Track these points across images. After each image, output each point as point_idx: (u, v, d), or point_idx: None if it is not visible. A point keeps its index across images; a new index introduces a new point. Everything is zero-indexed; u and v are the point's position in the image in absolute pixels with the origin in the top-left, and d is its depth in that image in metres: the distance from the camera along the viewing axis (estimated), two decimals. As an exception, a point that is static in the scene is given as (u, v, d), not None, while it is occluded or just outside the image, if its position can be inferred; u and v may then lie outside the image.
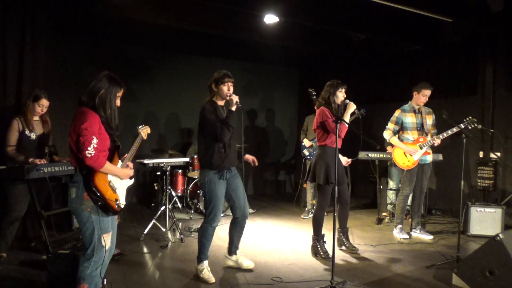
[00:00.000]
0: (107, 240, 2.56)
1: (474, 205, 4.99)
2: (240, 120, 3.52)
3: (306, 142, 5.99)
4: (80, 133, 2.41)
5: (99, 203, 2.47)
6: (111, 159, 2.64)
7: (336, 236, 4.33)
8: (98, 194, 2.46)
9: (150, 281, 3.50)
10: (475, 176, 5.84)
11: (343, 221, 4.34)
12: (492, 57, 5.82)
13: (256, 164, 3.88)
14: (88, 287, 2.53)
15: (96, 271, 2.55)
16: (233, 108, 3.40)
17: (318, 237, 4.21)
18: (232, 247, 3.79)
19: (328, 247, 4.19)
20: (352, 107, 3.98)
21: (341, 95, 4.10)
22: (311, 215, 5.95)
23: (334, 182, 3.96)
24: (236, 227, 3.71)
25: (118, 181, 2.67)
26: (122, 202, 2.69)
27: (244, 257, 3.80)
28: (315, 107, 5.86)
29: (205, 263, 3.55)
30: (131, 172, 2.76)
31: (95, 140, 2.42)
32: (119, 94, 2.64)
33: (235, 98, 3.41)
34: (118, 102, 2.66)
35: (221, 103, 3.55)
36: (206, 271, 3.51)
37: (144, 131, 3.13)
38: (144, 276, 3.59)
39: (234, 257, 3.79)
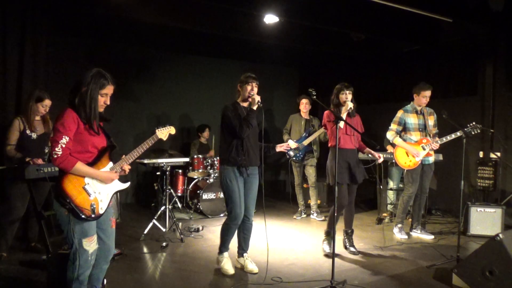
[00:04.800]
0: (90, 244, 2.46)
1: (474, 205, 4.98)
2: (259, 120, 3.59)
3: (291, 144, 5.96)
4: (53, 133, 2.36)
5: (66, 207, 2.35)
6: (98, 159, 2.53)
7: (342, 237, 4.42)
8: (65, 197, 2.35)
9: (150, 281, 3.50)
10: (475, 176, 5.84)
11: (346, 222, 4.38)
12: (492, 57, 5.82)
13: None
14: None
15: (83, 274, 2.47)
16: (254, 107, 3.48)
17: (329, 231, 4.29)
18: (239, 250, 3.81)
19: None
20: (347, 107, 4.10)
21: (343, 96, 4.18)
22: (303, 216, 6.05)
23: (342, 181, 4.09)
24: (240, 226, 3.72)
25: (101, 185, 2.53)
26: (102, 207, 2.51)
27: (251, 262, 3.76)
28: (300, 107, 5.95)
29: (225, 254, 3.68)
30: (114, 176, 2.56)
31: (64, 140, 2.33)
32: (105, 91, 2.49)
33: (257, 98, 3.48)
34: (107, 101, 2.53)
35: (244, 104, 3.63)
36: (226, 261, 3.67)
37: (165, 131, 2.90)
38: (144, 276, 3.59)
39: (241, 260, 3.78)
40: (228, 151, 3.51)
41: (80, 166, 2.40)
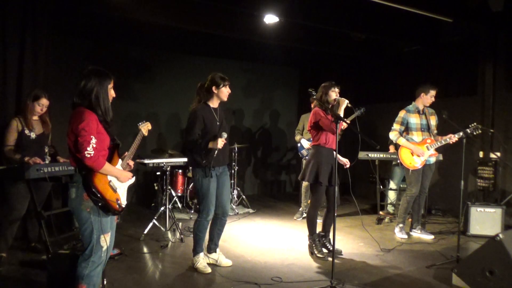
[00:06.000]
0: (106, 240, 2.55)
1: (474, 205, 4.98)
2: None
3: (304, 143, 5.95)
4: (78, 134, 2.38)
5: (99, 204, 2.45)
6: (110, 158, 2.62)
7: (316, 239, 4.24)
8: (98, 194, 2.44)
9: (150, 281, 3.50)
10: (475, 176, 5.84)
11: (323, 225, 4.28)
12: (492, 57, 5.82)
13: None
14: (87, 287, 2.52)
15: (94, 271, 2.54)
16: (211, 146, 3.50)
17: (313, 236, 4.21)
18: (212, 245, 3.86)
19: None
20: (344, 102, 3.98)
21: (333, 94, 4.10)
22: (304, 216, 5.91)
23: (324, 182, 4.01)
24: (216, 223, 3.81)
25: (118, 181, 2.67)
26: (123, 201, 2.68)
27: (223, 256, 3.88)
28: (312, 106, 5.93)
29: (201, 255, 3.73)
30: (130, 174, 2.73)
31: (93, 140, 2.39)
32: (111, 85, 2.61)
33: (220, 143, 3.47)
34: (113, 93, 2.63)
35: (215, 105, 3.69)
36: (201, 262, 3.69)
37: (145, 127, 3.11)
38: (144, 276, 3.59)
39: (214, 255, 3.85)
40: (193, 155, 3.61)
41: (108, 166, 2.50)
